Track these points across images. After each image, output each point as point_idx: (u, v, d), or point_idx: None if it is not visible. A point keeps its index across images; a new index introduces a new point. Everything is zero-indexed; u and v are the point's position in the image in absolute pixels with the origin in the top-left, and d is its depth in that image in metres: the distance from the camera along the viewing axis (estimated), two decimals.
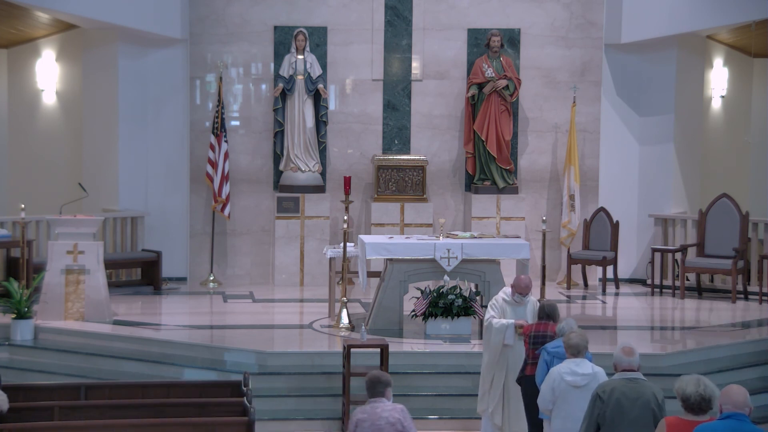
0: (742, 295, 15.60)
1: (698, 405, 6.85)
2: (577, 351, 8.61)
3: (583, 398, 8.15)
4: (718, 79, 18.32)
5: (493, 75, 16.16)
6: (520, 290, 10.58)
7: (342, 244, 13.42)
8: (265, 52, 16.55)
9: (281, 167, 16.36)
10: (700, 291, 15.91)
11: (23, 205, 14.01)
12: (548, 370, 8.94)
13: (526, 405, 9.85)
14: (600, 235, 16.38)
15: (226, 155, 16.11)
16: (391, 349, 11.43)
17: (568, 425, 8.45)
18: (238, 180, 16.49)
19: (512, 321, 10.58)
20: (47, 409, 9.37)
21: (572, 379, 8.49)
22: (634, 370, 7.80)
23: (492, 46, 16.23)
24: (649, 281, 16.28)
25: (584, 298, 15.80)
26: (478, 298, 13.02)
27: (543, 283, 14.44)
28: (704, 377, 6.97)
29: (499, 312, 10.70)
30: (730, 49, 18.34)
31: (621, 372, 7.79)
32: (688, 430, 6.74)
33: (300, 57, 16.15)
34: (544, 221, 14.73)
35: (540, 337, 9.72)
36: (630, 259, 16.93)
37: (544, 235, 14.54)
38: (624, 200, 16.94)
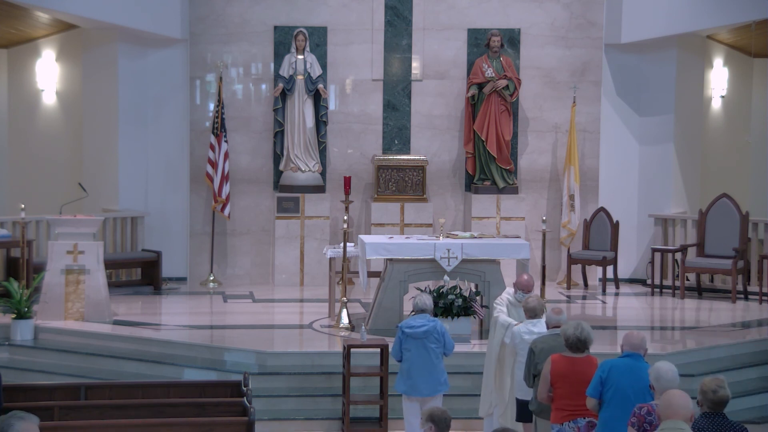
0: (742, 295, 15.60)
1: (576, 345, 8.34)
2: (534, 314, 9.73)
3: None
4: (718, 79, 18.32)
5: (493, 75, 16.15)
6: (522, 287, 10.58)
7: (342, 244, 13.41)
8: (265, 52, 16.54)
9: (281, 167, 16.36)
10: (700, 291, 15.90)
11: (23, 205, 14.00)
12: (401, 348, 10.11)
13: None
14: (600, 235, 16.37)
15: (226, 155, 16.10)
16: None
17: None
18: (238, 180, 16.49)
19: (515, 322, 10.55)
20: (47, 409, 9.37)
21: (529, 337, 9.49)
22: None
23: (492, 46, 16.23)
24: (649, 281, 16.27)
25: (584, 298, 15.79)
26: (478, 298, 13.01)
27: (543, 283, 14.45)
28: (584, 323, 8.40)
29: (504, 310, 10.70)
30: (730, 49, 18.33)
31: (552, 329, 9.11)
32: (567, 363, 8.35)
33: (300, 57, 16.15)
34: (544, 221, 14.72)
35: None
36: (630, 259, 16.92)
37: (544, 235, 14.52)
38: (624, 200, 16.93)
